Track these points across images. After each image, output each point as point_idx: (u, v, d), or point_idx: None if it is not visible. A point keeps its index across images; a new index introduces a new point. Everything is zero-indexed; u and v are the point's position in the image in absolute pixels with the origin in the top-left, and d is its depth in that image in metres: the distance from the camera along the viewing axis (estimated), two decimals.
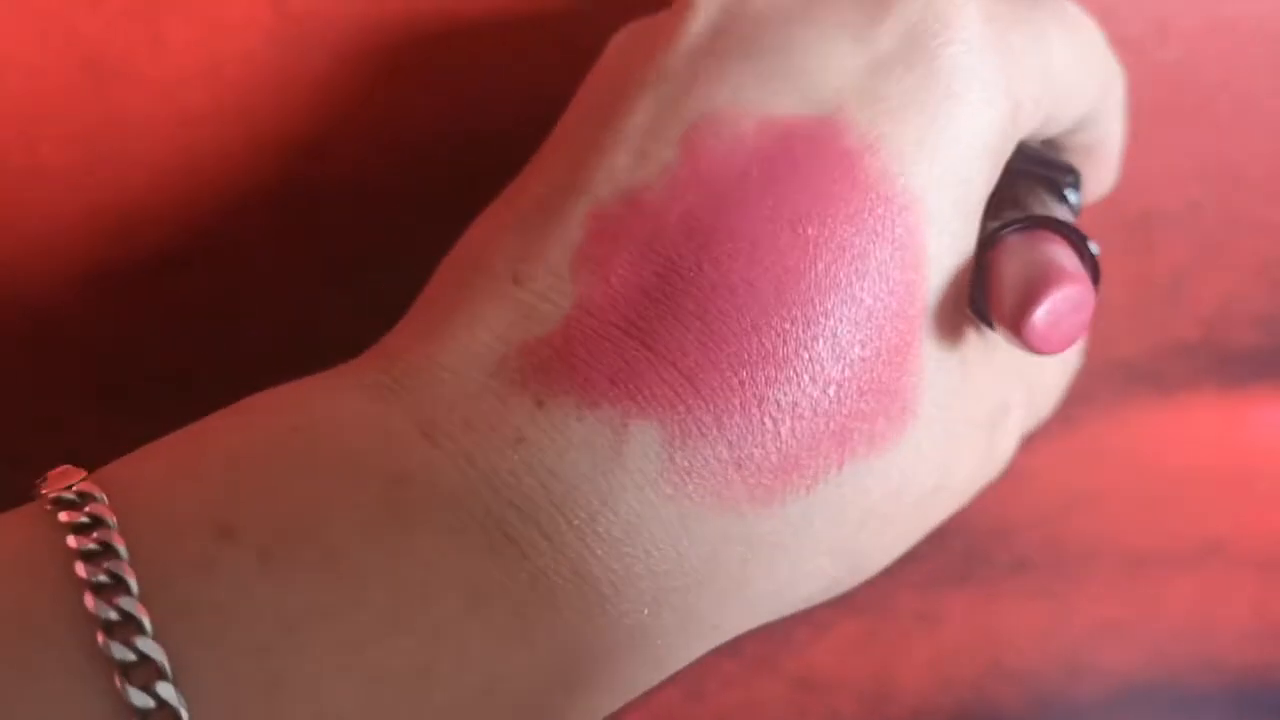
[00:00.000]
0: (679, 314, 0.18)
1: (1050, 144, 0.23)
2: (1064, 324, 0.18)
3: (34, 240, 0.23)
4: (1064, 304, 0.18)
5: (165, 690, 0.15)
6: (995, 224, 0.20)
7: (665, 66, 0.19)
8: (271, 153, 0.23)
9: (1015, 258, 0.19)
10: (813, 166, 0.18)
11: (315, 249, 0.24)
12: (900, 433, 0.19)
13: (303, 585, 0.16)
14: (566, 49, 0.24)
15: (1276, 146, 0.28)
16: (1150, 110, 0.26)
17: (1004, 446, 0.22)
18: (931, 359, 0.19)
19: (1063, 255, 0.19)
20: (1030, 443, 0.28)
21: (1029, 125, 0.20)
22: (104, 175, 0.23)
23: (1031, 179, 0.22)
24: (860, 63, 0.19)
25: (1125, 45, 0.26)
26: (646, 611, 0.17)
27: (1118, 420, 0.26)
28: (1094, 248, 0.19)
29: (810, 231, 0.18)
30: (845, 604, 0.29)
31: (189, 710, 0.15)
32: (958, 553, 0.30)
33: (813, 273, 0.18)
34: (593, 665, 0.17)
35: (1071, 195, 0.22)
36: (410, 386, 0.18)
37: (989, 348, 0.20)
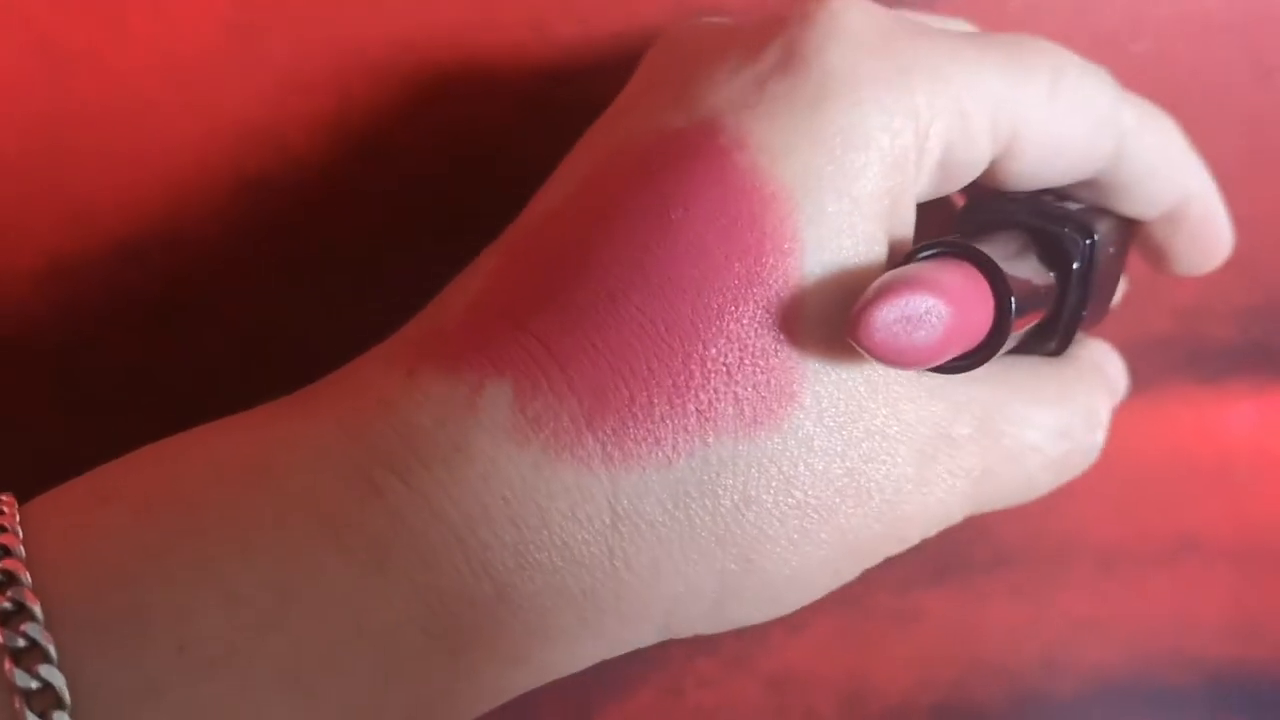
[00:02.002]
0: (544, 289, 0.19)
1: (1105, 213, 0.23)
2: (904, 333, 0.17)
3: None
4: (910, 311, 0.17)
5: (34, 630, 0.16)
6: (913, 249, 0.19)
7: (622, 97, 0.21)
8: (231, 145, 0.23)
9: (900, 268, 0.19)
10: (684, 162, 0.19)
11: (275, 242, 0.24)
12: (778, 420, 0.18)
13: (164, 524, 0.17)
14: (534, 44, 0.24)
15: (1250, 139, 0.28)
16: None
17: (945, 485, 0.20)
18: (815, 349, 0.19)
19: (954, 276, 0.18)
20: None
21: (968, 150, 0.20)
22: (61, 165, 0.23)
23: (1025, 230, 0.21)
24: (742, 78, 0.20)
25: (1100, 39, 0.26)
26: (511, 564, 0.18)
27: None
28: (1005, 276, 0.19)
29: (675, 215, 0.19)
30: (821, 603, 0.29)
31: (56, 647, 0.16)
32: (934, 551, 0.30)
33: (676, 248, 0.18)
34: (461, 617, 0.18)
35: (1074, 252, 0.21)
36: (298, 398, 0.20)
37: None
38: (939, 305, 0.18)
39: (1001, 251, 0.20)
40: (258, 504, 0.17)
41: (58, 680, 0.16)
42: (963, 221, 0.22)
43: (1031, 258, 0.21)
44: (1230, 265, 0.25)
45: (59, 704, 0.16)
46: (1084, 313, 0.22)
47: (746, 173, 0.19)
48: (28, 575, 0.17)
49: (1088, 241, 0.21)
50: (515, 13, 0.24)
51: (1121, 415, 0.27)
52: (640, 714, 0.29)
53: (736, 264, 0.18)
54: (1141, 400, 0.30)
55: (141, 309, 0.24)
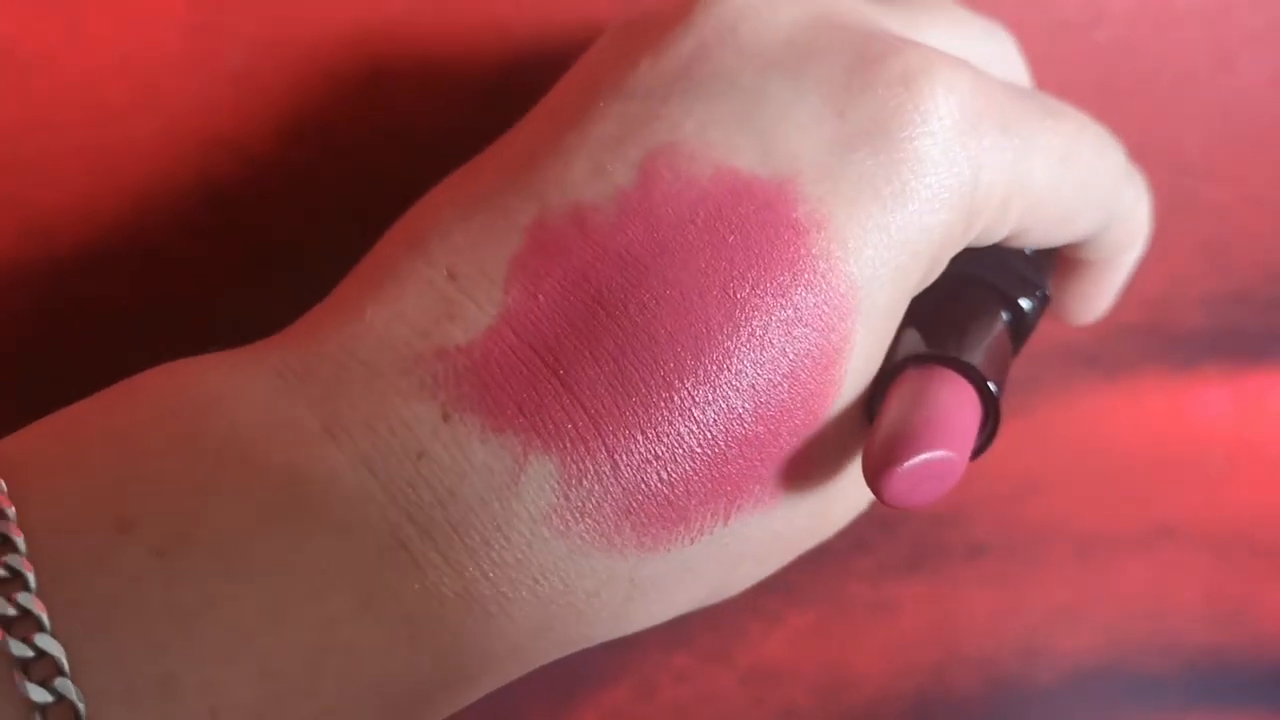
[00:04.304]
0: (597, 352, 0.18)
1: (1044, 253, 0.23)
2: (921, 488, 0.18)
3: None
4: (925, 469, 0.18)
5: (64, 685, 0.15)
6: (903, 354, 0.20)
7: (642, 80, 0.19)
8: (190, 147, 0.23)
9: (901, 399, 0.19)
10: (757, 230, 0.18)
11: (237, 246, 0.24)
12: (787, 493, 0.19)
13: (194, 578, 0.16)
14: (491, 37, 0.24)
15: (1215, 126, 0.28)
16: (1087, 92, 0.26)
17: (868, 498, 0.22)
18: (831, 441, 0.19)
19: (949, 407, 0.19)
20: None
21: (993, 230, 0.20)
22: (20, 170, 0.23)
23: (988, 288, 0.22)
24: (827, 133, 0.18)
25: (1061, 27, 0.26)
26: (532, 632, 0.18)
27: (1066, 405, 0.26)
28: (994, 388, 0.19)
29: (741, 295, 0.18)
30: (796, 595, 0.29)
31: (86, 706, 0.15)
32: (908, 541, 0.30)
33: (736, 338, 0.18)
34: (473, 672, 0.18)
35: (1027, 305, 0.22)
36: (318, 376, 0.18)
37: None
38: (952, 458, 0.18)
39: (971, 318, 0.21)
40: (293, 567, 0.16)
41: None
42: None
43: (993, 312, 0.22)
44: (1198, 252, 0.25)
45: None
46: (1017, 354, 0.23)
47: (819, 261, 0.18)
48: (45, 616, 0.15)
49: (1040, 295, 0.22)
50: (471, 6, 0.24)
51: (1095, 403, 0.27)
52: (617, 709, 0.29)
53: (792, 364, 0.18)
54: (1114, 389, 0.30)
55: (105, 316, 0.24)
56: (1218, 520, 0.31)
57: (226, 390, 0.18)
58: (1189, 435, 0.31)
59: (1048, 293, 0.22)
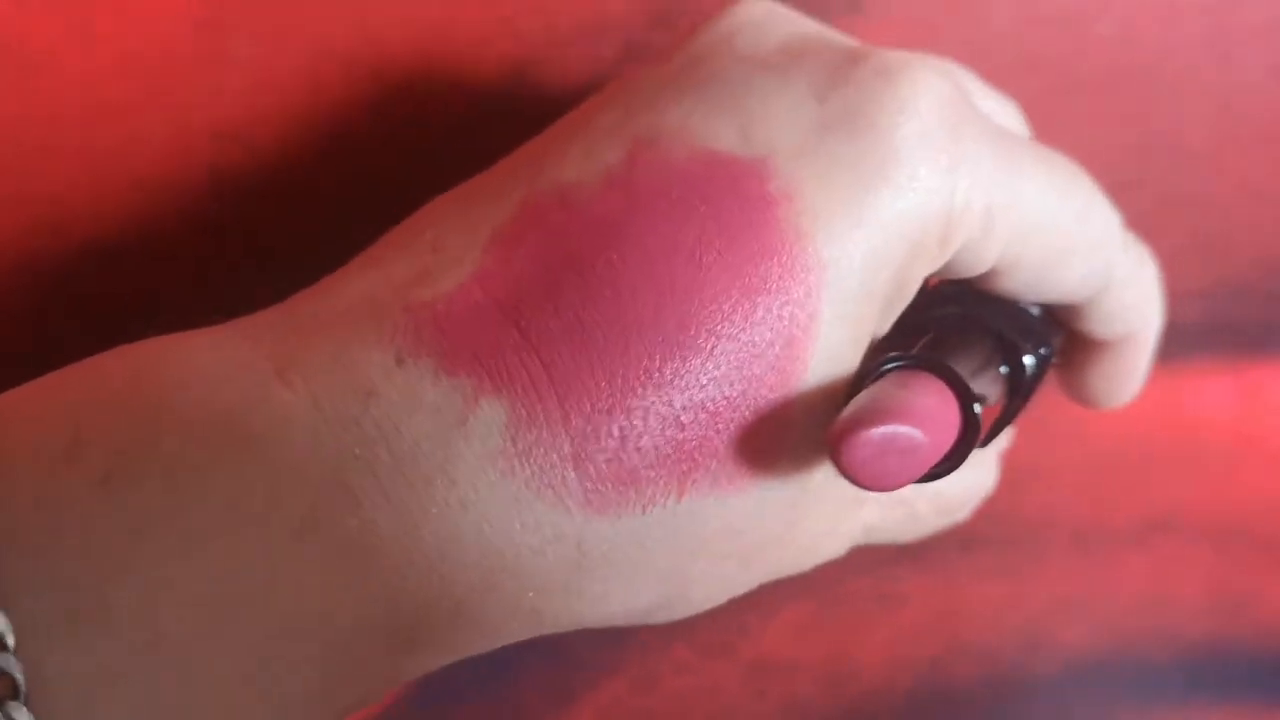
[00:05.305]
0: (559, 305, 0.18)
1: (1053, 319, 0.23)
2: (884, 462, 0.18)
3: None
4: (889, 441, 0.18)
5: None
6: (886, 358, 0.19)
7: (635, 84, 0.20)
8: (200, 144, 0.23)
9: (877, 387, 0.19)
10: (728, 200, 0.18)
11: (246, 241, 0.24)
12: (747, 484, 0.19)
13: (136, 507, 0.16)
14: (501, 38, 0.24)
15: (1214, 120, 0.28)
16: (1089, 84, 0.26)
17: (847, 528, 0.22)
18: (798, 423, 0.19)
19: (927, 400, 0.19)
20: None
21: (979, 251, 0.20)
22: (29, 167, 0.23)
23: (988, 333, 0.22)
24: (807, 118, 0.19)
25: (1064, 20, 0.26)
26: (475, 587, 0.18)
27: (1064, 397, 0.26)
28: (978, 407, 0.19)
29: (708, 259, 0.18)
30: (797, 587, 0.29)
31: (15, 637, 0.15)
32: None
33: (697, 298, 0.18)
34: (419, 627, 0.18)
35: (1029, 360, 0.22)
36: (281, 330, 0.18)
37: None
38: (918, 437, 0.18)
39: (968, 358, 0.20)
40: (234, 496, 0.17)
41: (14, 669, 0.15)
42: (931, 304, 0.22)
43: (991, 359, 0.22)
44: (1196, 246, 0.25)
45: (14, 694, 0.15)
46: (1019, 414, 0.22)
47: (788, 233, 0.18)
48: None
49: (1044, 353, 0.22)
50: (482, 7, 0.24)
51: None
52: (617, 702, 0.29)
53: (756, 333, 0.18)
54: None
55: (113, 311, 0.24)
56: (1217, 512, 0.32)
57: (189, 343, 0.18)
58: (1188, 428, 0.31)
59: (1051, 351, 0.22)
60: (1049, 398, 0.26)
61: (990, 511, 0.30)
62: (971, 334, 0.22)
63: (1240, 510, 0.32)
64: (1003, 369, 0.22)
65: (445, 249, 0.19)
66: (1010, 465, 0.26)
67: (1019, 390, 0.22)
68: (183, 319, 0.24)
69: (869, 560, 0.30)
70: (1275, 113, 0.28)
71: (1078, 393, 0.25)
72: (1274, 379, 0.30)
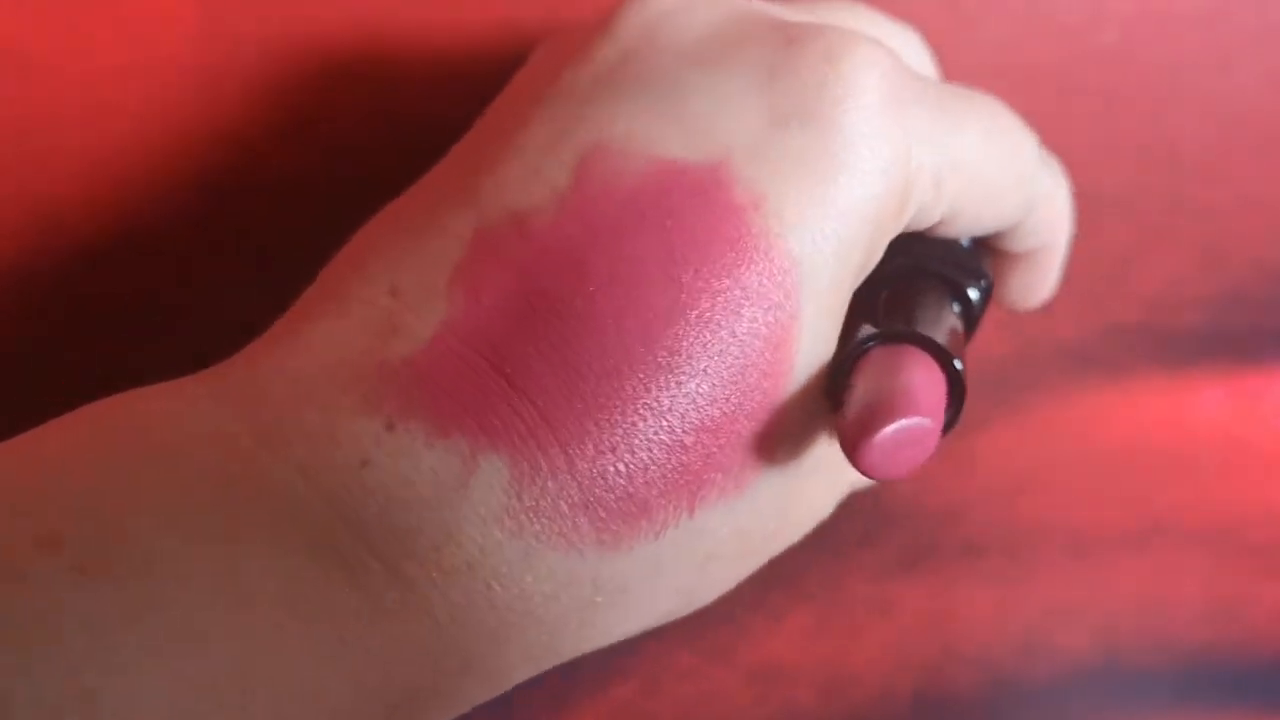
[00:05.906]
0: (542, 348, 0.17)
1: (979, 244, 0.23)
2: (899, 455, 0.18)
3: None
4: (902, 435, 0.18)
5: None
6: (864, 334, 0.19)
7: (566, 86, 0.19)
8: (198, 148, 0.23)
9: (870, 376, 0.19)
10: (694, 213, 0.18)
11: (243, 246, 0.24)
12: (748, 485, 0.19)
13: (114, 594, 0.15)
14: (501, 37, 0.24)
15: (1214, 129, 0.28)
16: (1090, 94, 0.26)
17: (837, 490, 0.22)
18: (791, 415, 0.19)
19: (919, 379, 0.19)
20: (976, 426, 0.29)
21: (928, 211, 0.20)
22: (27, 171, 0.23)
23: (935, 278, 0.22)
24: (755, 114, 0.18)
25: (1063, 31, 0.26)
26: (485, 641, 0.17)
27: (1064, 403, 0.26)
28: (959, 364, 0.19)
29: (685, 278, 0.18)
30: (797, 593, 0.29)
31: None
32: (907, 539, 0.30)
33: (683, 320, 0.18)
34: (422, 693, 0.17)
35: (974, 295, 0.22)
36: (253, 395, 0.17)
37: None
38: (928, 424, 0.18)
39: (925, 307, 0.21)
40: (217, 577, 0.16)
41: None
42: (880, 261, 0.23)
43: (943, 302, 0.22)
44: (1195, 254, 0.25)
45: None
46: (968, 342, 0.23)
47: (760, 239, 0.18)
48: None
49: (984, 284, 0.22)
50: (482, 7, 0.24)
51: (1092, 403, 0.27)
52: (619, 708, 0.29)
53: (743, 343, 0.18)
54: (1111, 388, 0.30)
55: (111, 311, 0.24)
56: (1214, 519, 0.32)
57: (157, 410, 0.17)
58: (1185, 434, 0.31)
59: (990, 281, 0.22)
60: (1048, 403, 0.26)
61: (987, 518, 0.30)
62: (919, 281, 0.22)
63: (1237, 516, 0.32)
64: (955, 307, 0.22)
65: (404, 292, 0.18)
66: (1009, 472, 0.26)
67: (970, 324, 0.22)
68: (181, 319, 0.24)
69: (867, 566, 0.30)
70: (1272, 122, 0.28)
71: (999, 300, 0.25)
72: (1272, 386, 0.31)
